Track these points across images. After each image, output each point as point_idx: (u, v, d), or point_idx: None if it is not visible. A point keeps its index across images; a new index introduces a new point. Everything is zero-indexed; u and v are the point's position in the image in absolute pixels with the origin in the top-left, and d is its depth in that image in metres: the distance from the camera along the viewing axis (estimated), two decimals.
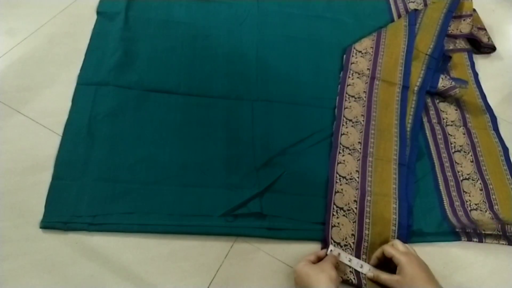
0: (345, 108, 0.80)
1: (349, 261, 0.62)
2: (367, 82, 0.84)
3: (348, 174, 0.72)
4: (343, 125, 0.78)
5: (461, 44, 0.97)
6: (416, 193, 0.73)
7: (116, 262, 0.59)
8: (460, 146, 0.79)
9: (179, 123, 0.73)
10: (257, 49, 0.87)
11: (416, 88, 0.83)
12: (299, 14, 0.95)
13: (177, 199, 0.65)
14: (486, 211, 0.69)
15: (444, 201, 0.72)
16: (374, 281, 0.60)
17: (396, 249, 0.59)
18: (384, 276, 0.58)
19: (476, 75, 0.92)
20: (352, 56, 0.88)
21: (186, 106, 0.76)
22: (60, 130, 0.69)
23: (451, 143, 0.80)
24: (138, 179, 0.66)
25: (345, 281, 0.61)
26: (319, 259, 0.61)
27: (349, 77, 0.85)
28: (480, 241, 0.69)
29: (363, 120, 0.79)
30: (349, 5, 1.01)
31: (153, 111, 0.74)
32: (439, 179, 0.75)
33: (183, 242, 0.62)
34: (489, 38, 0.98)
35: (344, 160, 0.73)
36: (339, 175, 0.71)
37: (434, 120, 0.83)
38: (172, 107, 0.75)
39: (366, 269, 0.62)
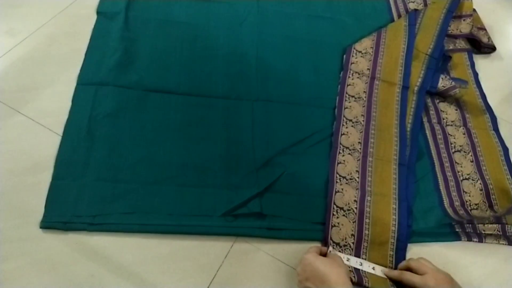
0: (345, 108, 0.80)
1: (347, 260, 0.62)
2: (367, 82, 0.84)
3: (348, 174, 0.72)
4: (343, 125, 0.78)
5: (461, 44, 0.97)
6: (416, 193, 0.72)
7: (116, 262, 0.59)
8: (460, 146, 0.79)
9: (179, 123, 0.73)
10: (257, 49, 0.87)
11: (416, 88, 0.83)
12: (299, 14, 0.95)
13: (177, 199, 0.65)
14: (486, 211, 0.69)
15: (444, 201, 0.72)
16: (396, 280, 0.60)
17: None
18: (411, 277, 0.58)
19: (476, 75, 0.92)
20: (352, 56, 0.88)
21: (186, 106, 0.76)
22: (60, 130, 0.69)
23: (451, 143, 0.80)
24: (138, 179, 0.66)
25: None
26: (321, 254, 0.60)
27: (349, 77, 0.85)
28: (480, 241, 0.69)
29: (363, 120, 0.79)
30: (349, 5, 1.00)
31: (153, 111, 0.74)
32: (439, 179, 0.75)
33: (183, 242, 0.62)
34: (489, 38, 0.98)
35: (344, 160, 0.73)
36: (339, 175, 0.71)
37: (434, 120, 0.83)
38: (172, 107, 0.75)
39: (366, 266, 0.62)
